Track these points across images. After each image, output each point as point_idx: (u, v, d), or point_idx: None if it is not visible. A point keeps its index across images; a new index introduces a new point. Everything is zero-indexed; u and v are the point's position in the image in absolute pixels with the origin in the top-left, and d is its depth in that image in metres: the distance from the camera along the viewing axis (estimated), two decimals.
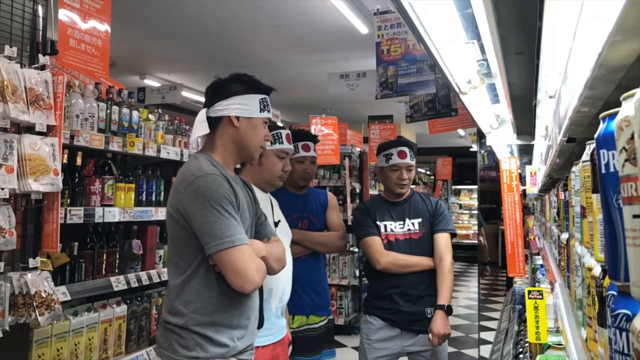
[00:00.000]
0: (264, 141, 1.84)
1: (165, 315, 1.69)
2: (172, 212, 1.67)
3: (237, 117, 1.76)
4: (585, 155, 0.88)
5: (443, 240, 2.63)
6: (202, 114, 1.80)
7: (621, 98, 0.48)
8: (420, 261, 2.59)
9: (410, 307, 2.57)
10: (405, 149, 2.71)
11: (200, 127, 1.79)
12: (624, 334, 0.54)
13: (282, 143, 2.32)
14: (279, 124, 6.27)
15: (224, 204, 1.60)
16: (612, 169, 0.54)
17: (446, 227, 2.67)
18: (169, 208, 1.70)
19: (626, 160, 0.43)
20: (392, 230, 2.66)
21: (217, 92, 1.80)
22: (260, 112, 1.80)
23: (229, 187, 1.64)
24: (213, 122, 1.79)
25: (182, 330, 1.63)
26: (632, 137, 0.41)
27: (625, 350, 0.53)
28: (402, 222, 2.68)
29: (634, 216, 0.42)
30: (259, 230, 1.86)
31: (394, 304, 2.59)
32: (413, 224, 2.67)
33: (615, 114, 0.50)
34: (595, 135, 0.58)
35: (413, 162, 2.73)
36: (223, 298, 1.66)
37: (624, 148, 0.44)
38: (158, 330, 1.74)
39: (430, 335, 2.45)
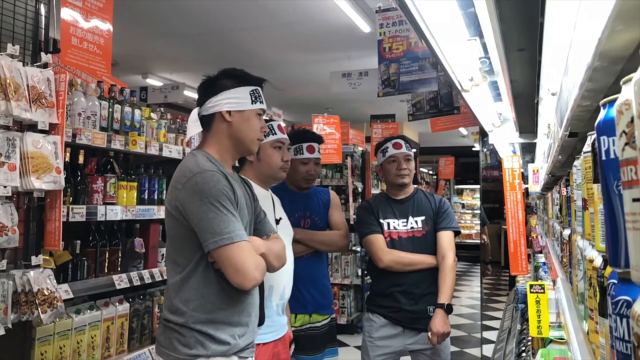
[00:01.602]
0: (260, 133, 1.81)
1: (165, 314, 1.68)
2: (170, 210, 1.66)
3: (229, 112, 1.74)
4: (587, 146, 0.88)
5: (446, 238, 2.62)
6: (194, 114, 1.79)
7: (621, 82, 0.48)
8: (423, 259, 2.59)
9: (413, 306, 2.56)
10: (400, 140, 2.73)
11: (192, 127, 1.79)
12: (624, 320, 0.54)
13: (276, 134, 2.31)
14: (281, 123, 6.27)
15: (222, 200, 1.58)
16: (612, 155, 0.54)
17: (449, 225, 2.65)
18: (167, 205, 1.69)
19: (626, 144, 0.43)
20: (395, 228, 2.64)
21: (207, 89, 1.78)
22: (252, 103, 1.77)
23: (227, 183, 1.64)
24: (206, 120, 1.77)
25: (182, 329, 1.62)
26: (632, 121, 0.41)
27: (626, 337, 0.53)
28: (405, 220, 2.66)
29: (634, 200, 0.42)
30: (258, 228, 1.86)
31: (396, 302, 2.58)
32: (416, 221, 2.65)
33: (616, 100, 0.50)
34: (596, 123, 0.58)
35: (410, 153, 2.73)
36: (223, 295, 1.65)
37: (624, 132, 0.44)
38: (158, 329, 1.73)
39: (429, 333, 2.44)
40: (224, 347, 1.63)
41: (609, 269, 0.66)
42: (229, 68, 1.83)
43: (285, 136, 2.37)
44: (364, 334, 2.70)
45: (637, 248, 0.43)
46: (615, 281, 0.59)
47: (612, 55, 0.73)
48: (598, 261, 0.78)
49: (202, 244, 1.58)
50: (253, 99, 1.78)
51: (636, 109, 0.38)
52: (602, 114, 0.57)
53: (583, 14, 0.80)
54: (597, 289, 0.75)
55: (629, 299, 0.54)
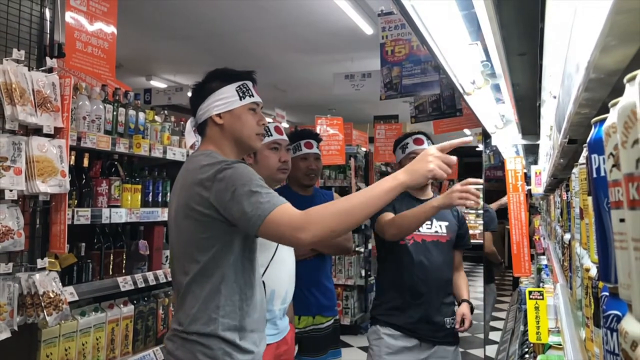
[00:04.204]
0: (258, 127, 1.73)
1: (185, 326, 1.58)
2: (190, 212, 1.56)
3: (219, 115, 1.68)
4: (582, 158, 0.89)
5: (460, 256, 2.64)
6: (188, 125, 1.75)
7: (609, 105, 0.49)
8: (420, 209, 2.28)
9: (430, 317, 2.45)
10: (421, 136, 2.63)
11: (188, 138, 1.76)
12: (614, 334, 0.55)
13: (272, 135, 2.33)
14: (285, 124, 6.30)
15: (256, 182, 1.50)
16: (602, 174, 0.56)
17: (468, 242, 2.64)
18: (185, 208, 1.58)
19: (613, 165, 0.44)
20: (419, 230, 2.47)
21: (196, 96, 1.74)
22: (241, 99, 1.70)
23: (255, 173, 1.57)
24: (201, 127, 1.73)
25: (208, 340, 1.55)
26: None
27: (616, 351, 0.54)
28: (429, 223, 2.51)
29: (621, 220, 0.43)
30: None
31: (414, 313, 2.44)
32: (440, 226, 2.54)
33: (605, 119, 0.51)
34: (587, 140, 0.60)
35: None
36: (250, 302, 1.61)
37: (611, 154, 0.45)
38: (172, 343, 1.61)
39: (458, 318, 2.41)
40: (248, 356, 1.60)
41: None
42: (214, 69, 1.76)
43: (283, 137, 2.38)
44: (372, 352, 2.50)
45: (624, 267, 0.44)
46: (607, 294, 0.60)
47: (607, 69, 0.74)
48: (593, 271, 0.79)
49: (249, 226, 1.47)
50: (241, 94, 1.70)
51: (620, 137, 0.40)
52: (592, 132, 0.58)
53: (577, 29, 0.81)
54: (592, 299, 0.76)
55: (619, 314, 0.55)
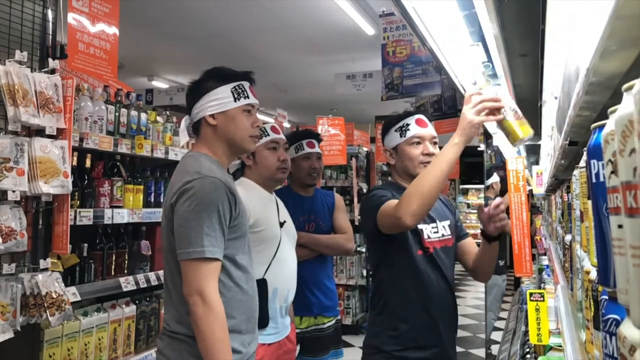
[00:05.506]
0: (252, 129, 1.72)
1: (172, 326, 1.61)
2: (165, 217, 1.62)
3: (212, 115, 1.67)
4: (583, 162, 0.89)
5: (474, 243, 2.14)
6: (183, 123, 1.76)
7: (608, 112, 0.49)
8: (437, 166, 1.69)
9: (447, 348, 1.97)
10: (423, 117, 2.07)
11: (182, 137, 1.78)
12: (613, 338, 0.55)
13: (269, 135, 2.33)
14: (286, 124, 6.30)
15: (210, 212, 1.52)
16: (601, 179, 0.56)
17: (463, 227, 2.20)
18: (165, 211, 1.63)
19: (612, 172, 0.45)
20: (428, 237, 1.98)
21: (192, 95, 1.73)
22: (236, 101, 1.68)
23: (225, 194, 1.57)
24: (196, 127, 1.73)
25: (194, 340, 1.55)
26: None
27: (615, 355, 0.55)
28: (434, 225, 2.02)
29: (619, 226, 0.44)
30: None
31: (440, 339, 1.93)
32: (444, 227, 2.05)
33: (605, 125, 0.51)
34: (587, 146, 0.60)
35: (436, 135, 2.09)
36: (233, 304, 1.61)
37: (610, 160, 0.45)
38: (161, 342, 1.64)
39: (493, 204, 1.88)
40: (236, 355, 1.59)
41: None
42: (211, 68, 1.75)
43: (280, 136, 2.37)
44: None
45: (622, 272, 0.44)
46: (606, 298, 0.61)
47: (607, 73, 0.75)
48: (593, 274, 0.80)
49: (176, 251, 1.54)
50: (236, 95, 1.68)
51: (617, 145, 0.40)
52: (592, 138, 0.59)
53: (577, 32, 0.81)
54: (592, 302, 0.77)
55: (618, 318, 0.55)
